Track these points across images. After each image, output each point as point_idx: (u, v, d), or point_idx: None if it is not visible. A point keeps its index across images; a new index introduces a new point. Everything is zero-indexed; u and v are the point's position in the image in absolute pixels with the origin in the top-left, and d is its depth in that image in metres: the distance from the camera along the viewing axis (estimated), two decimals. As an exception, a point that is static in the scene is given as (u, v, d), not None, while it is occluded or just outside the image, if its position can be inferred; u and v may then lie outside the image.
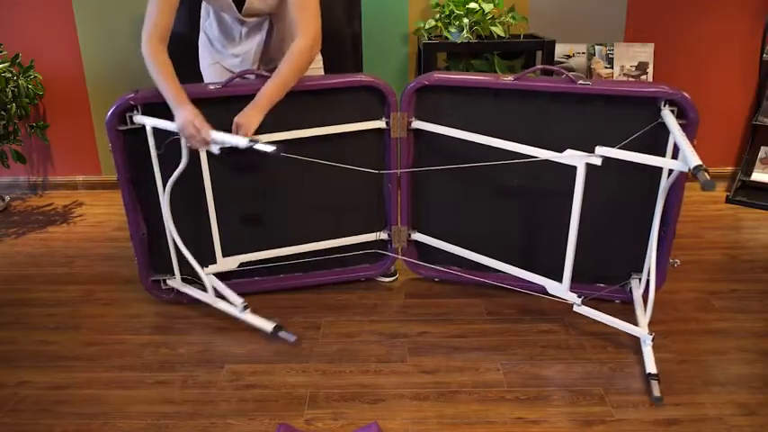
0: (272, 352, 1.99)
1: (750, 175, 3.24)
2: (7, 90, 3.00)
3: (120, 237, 2.89)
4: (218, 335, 2.09)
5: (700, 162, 1.56)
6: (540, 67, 2.07)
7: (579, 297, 2.02)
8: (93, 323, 2.18)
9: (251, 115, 1.90)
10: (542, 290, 2.13)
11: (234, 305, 2.11)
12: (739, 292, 2.31)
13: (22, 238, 2.92)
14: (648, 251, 2.00)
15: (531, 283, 2.16)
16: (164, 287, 2.26)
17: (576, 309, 2.02)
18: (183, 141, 1.95)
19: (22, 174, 3.54)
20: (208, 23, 2.21)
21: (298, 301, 2.28)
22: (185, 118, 1.85)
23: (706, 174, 1.51)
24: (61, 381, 1.87)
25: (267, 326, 2.04)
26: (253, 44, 2.15)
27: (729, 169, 3.45)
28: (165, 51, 1.93)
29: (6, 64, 3.04)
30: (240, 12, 2.03)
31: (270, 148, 1.75)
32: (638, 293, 2.10)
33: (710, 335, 2.04)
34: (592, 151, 1.84)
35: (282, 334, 2.02)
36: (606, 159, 1.85)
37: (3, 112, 3.03)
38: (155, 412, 1.73)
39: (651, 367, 1.82)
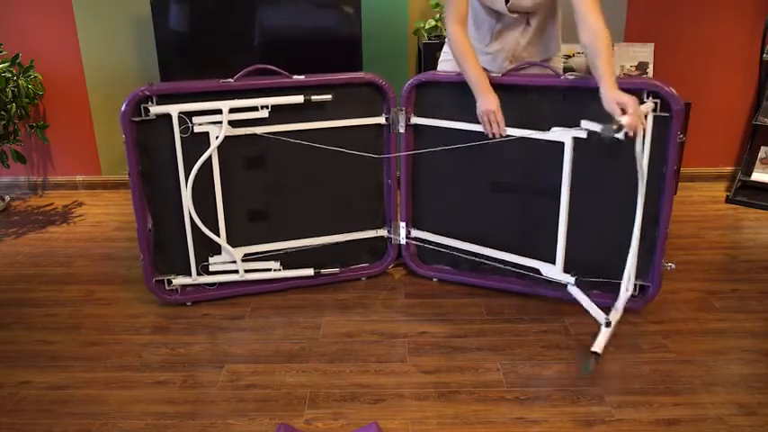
0: (272, 352, 1.99)
1: (750, 175, 3.24)
2: (7, 90, 2.99)
3: (120, 237, 2.89)
4: (218, 335, 2.09)
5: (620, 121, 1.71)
6: (528, 62, 2.09)
7: (573, 276, 2.04)
8: (93, 323, 2.18)
9: (621, 93, 1.79)
10: (537, 292, 2.15)
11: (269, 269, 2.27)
12: (739, 292, 2.30)
13: (22, 238, 2.92)
14: (632, 244, 1.99)
15: (525, 273, 2.18)
16: (167, 288, 2.24)
17: (569, 289, 2.05)
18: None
19: (22, 174, 3.53)
20: None
21: (298, 301, 2.28)
22: (488, 107, 2.01)
23: (614, 126, 1.70)
24: (61, 381, 1.87)
25: None
26: (505, 43, 2.15)
27: (729, 169, 3.45)
28: (465, 34, 2.06)
29: (6, 64, 3.04)
30: (506, 4, 2.04)
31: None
32: (626, 294, 2.07)
33: (710, 335, 2.04)
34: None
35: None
36: (603, 166, 1.86)
37: (3, 112, 3.03)
38: (155, 412, 1.73)
39: (598, 347, 1.84)
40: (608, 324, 1.91)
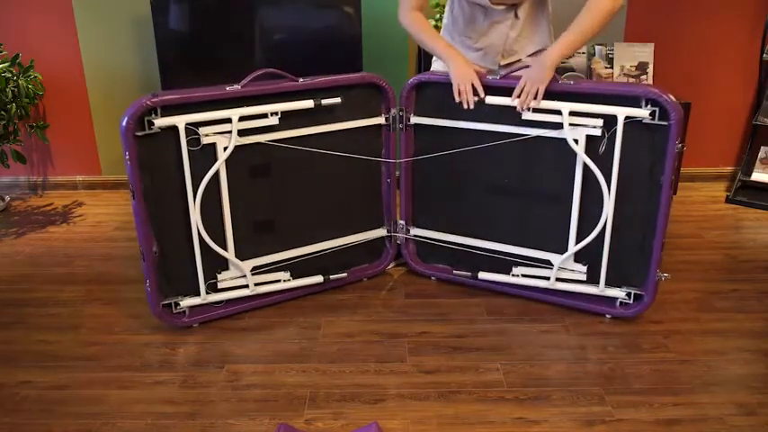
0: (271, 352, 1.99)
1: (750, 175, 3.24)
2: (7, 90, 2.99)
3: (121, 237, 2.89)
4: (218, 335, 2.09)
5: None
6: (521, 66, 2.08)
7: (585, 265, 2.07)
8: (93, 323, 2.18)
9: (542, 72, 1.92)
10: (534, 297, 2.18)
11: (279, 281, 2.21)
12: (739, 292, 2.31)
13: (23, 238, 2.92)
14: (604, 246, 2.03)
15: (530, 272, 2.19)
16: (175, 311, 2.10)
17: (578, 277, 2.09)
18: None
19: (22, 174, 3.53)
20: (451, 18, 2.21)
21: (298, 302, 2.27)
22: (465, 72, 2.00)
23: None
24: (61, 381, 1.87)
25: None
26: (494, 38, 2.13)
27: (729, 169, 3.45)
28: (421, 15, 2.08)
29: (6, 64, 3.04)
30: None
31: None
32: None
33: (710, 335, 2.04)
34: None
35: None
36: (605, 165, 1.86)
37: (3, 112, 3.03)
38: (155, 412, 1.73)
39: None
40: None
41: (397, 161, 2.31)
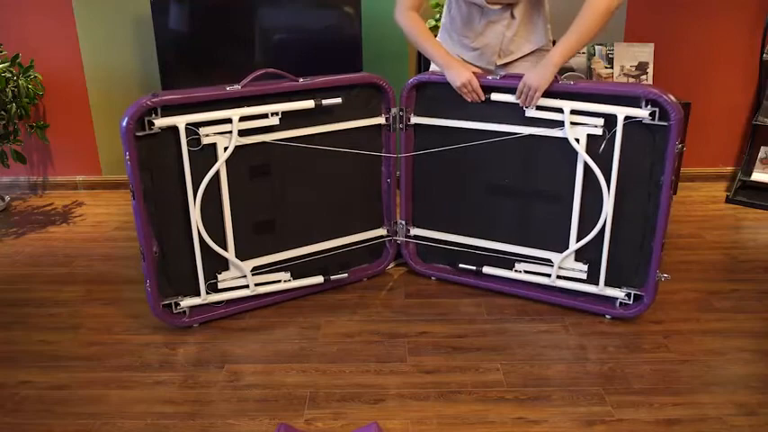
0: (271, 352, 1.99)
1: (750, 175, 3.24)
2: (7, 90, 2.99)
3: (121, 237, 2.89)
4: (218, 335, 2.09)
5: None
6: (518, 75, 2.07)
7: (585, 264, 2.08)
8: (93, 323, 2.18)
9: (542, 75, 1.95)
10: (536, 296, 2.19)
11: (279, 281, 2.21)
12: (739, 292, 2.30)
13: (23, 238, 2.92)
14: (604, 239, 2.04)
15: (532, 269, 2.20)
16: (175, 311, 2.10)
17: (579, 276, 2.10)
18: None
19: (22, 174, 3.53)
20: (449, 18, 2.22)
21: (297, 302, 2.28)
22: (464, 77, 2.03)
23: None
24: (61, 381, 1.87)
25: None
26: (491, 38, 2.13)
27: (729, 169, 3.45)
28: (418, 16, 2.11)
29: (6, 64, 3.04)
30: None
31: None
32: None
33: (710, 335, 2.04)
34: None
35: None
36: (605, 164, 1.86)
37: (3, 112, 3.03)
38: (155, 412, 1.73)
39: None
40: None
41: (398, 155, 2.31)
